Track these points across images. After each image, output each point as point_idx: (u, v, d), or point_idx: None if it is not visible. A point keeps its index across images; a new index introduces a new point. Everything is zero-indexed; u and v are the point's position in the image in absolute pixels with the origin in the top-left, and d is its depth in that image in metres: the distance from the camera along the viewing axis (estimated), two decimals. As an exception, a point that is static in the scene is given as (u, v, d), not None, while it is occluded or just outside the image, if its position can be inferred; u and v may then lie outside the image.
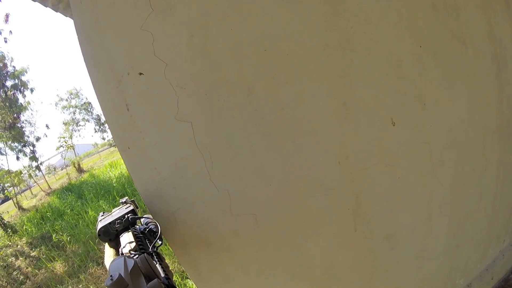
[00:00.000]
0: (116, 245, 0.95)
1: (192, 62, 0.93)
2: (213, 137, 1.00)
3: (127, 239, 0.89)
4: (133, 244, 0.86)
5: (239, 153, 1.03)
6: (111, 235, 0.96)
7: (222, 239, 1.15)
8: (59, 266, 6.71)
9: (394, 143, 1.41)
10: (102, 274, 5.62)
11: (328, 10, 1.10)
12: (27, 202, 18.08)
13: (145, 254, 0.70)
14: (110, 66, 0.91)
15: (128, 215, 0.99)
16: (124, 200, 1.11)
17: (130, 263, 0.62)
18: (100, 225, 0.97)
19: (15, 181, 17.33)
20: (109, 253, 0.93)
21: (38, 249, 8.23)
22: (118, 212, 1.02)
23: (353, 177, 1.28)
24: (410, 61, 1.40)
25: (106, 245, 0.98)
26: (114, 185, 10.81)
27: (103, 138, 24.50)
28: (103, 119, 22.24)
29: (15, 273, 7.36)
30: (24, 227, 10.94)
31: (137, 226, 1.01)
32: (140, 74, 0.91)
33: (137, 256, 0.76)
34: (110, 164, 15.48)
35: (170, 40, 0.92)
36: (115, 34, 0.90)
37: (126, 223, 0.97)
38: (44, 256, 7.37)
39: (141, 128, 0.97)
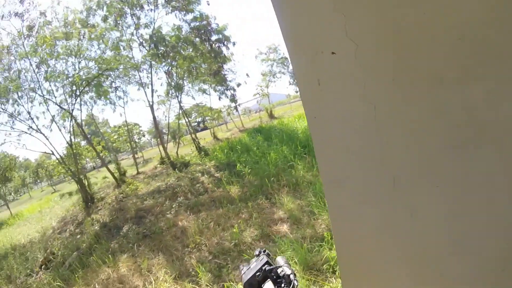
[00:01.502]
0: None
1: (382, 46, 0.93)
2: (392, 123, 1.00)
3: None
4: None
5: (412, 145, 1.00)
6: (254, 286, 1.16)
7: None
8: (234, 190, 8.02)
9: None
10: (266, 207, 6.37)
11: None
12: (222, 134, 21.83)
13: None
14: (307, 44, 1.00)
15: (264, 266, 1.18)
16: (257, 252, 1.31)
17: None
18: (244, 278, 1.17)
19: (215, 116, 21.21)
20: None
21: (222, 172, 9.99)
22: (255, 265, 1.22)
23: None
24: None
25: None
26: (299, 135, 11.54)
27: (296, 91, 26.38)
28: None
29: (198, 185, 9.22)
30: (215, 153, 13.36)
31: (273, 272, 1.18)
32: (333, 53, 0.97)
33: None
34: (298, 116, 16.51)
35: (361, 22, 0.93)
36: (310, 13, 0.97)
37: (264, 273, 1.16)
38: (225, 179, 8.92)
39: (328, 102, 1.05)
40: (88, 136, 17.52)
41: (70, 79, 12.11)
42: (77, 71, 12.23)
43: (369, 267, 1.26)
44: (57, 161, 13.69)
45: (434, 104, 0.96)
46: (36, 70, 11.76)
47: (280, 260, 1.26)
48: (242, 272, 1.23)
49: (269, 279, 1.15)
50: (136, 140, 28.09)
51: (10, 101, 11.62)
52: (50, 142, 15.63)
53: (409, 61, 0.94)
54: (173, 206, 8.15)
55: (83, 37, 12.27)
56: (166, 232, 6.60)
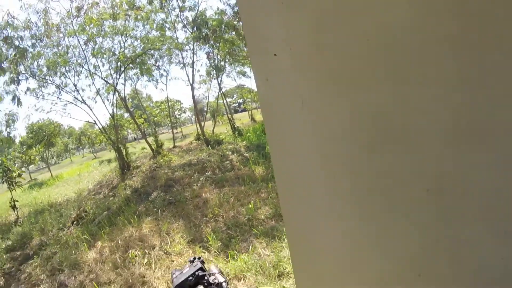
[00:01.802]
0: None
1: (310, 49, 1.15)
2: (316, 117, 1.22)
3: None
4: None
5: (331, 140, 1.20)
6: None
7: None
8: (259, 170, 8.35)
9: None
10: (287, 189, 6.61)
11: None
12: (259, 116, 22.17)
13: None
14: (258, 45, 1.24)
15: (198, 272, 1.18)
16: (192, 259, 1.30)
17: None
18: (175, 282, 1.16)
19: (254, 98, 21.64)
20: None
21: (251, 153, 10.36)
22: (188, 270, 1.20)
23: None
24: None
25: None
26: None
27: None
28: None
29: (226, 162, 9.67)
30: (248, 134, 13.66)
31: (206, 278, 1.19)
32: (275, 55, 1.20)
33: None
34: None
35: (295, 29, 1.15)
36: (260, 20, 1.21)
37: (196, 279, 1.16)
38: (252, 159, 9.26)
39: (273, 96, 1.29)
40: (132, 109, 18.39)
41: (115, 56, 12.93)
42: (122, 49, 13.06)
43: (308, 242, 1.51)
44: (99, 130, 14.66)
45: (351, 105, 1.17)
46: (84, 47, 12.67)
47: (213, 268, 1.28)
48: (174, 276, 1.22)
49: (200, 285, 1.16)
50: (177, 116, 28.97)
51: (58, 74, 12.60)
52: (94, 113, 16.78)
53: (330, 63, 1.17)
54: (200, 179, 8.58)
55: (129, 18, 12.93)
56: (189, 201, 7.06)
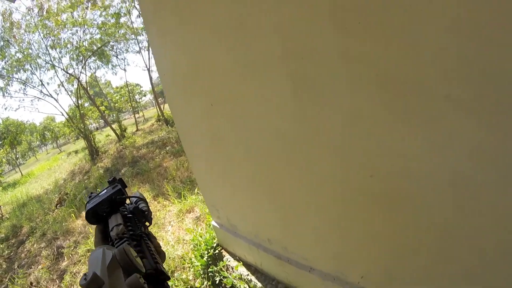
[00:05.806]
0: (104, 227, 0.88)
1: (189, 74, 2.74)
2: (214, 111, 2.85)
3: (114, 221, 0.85)
4: (121, 227, 0.82)
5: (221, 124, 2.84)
6: (99, 217, 0.90)
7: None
8: None
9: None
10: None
11: None
12: None
13: (124, 244, 0.64)
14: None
15: (115, 195, 0.92)
16: (111, 179, 1.00)
17: (109, 256, 0.59)
18: (88, 207, 0.89)
19: None
20: (98, 237, 0.86)
21: None
22: (105, 192, 0.94)
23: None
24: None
25: (96, 228, 0.89)
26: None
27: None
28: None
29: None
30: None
31: (126, 205, 0.96)
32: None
33: (118, 244, 0.74)
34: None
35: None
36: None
37: (114, 204, 0.92)
38: None
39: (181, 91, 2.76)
40: (92, 97, 19.11)
41: (75, 46, 13.74)
42: (81, 40, 13.91)
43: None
44: (62, 122, 15.42)
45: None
46: (45, 41, 13.37)
47: (137, 194, 1.02)
48: (88, 198, 0.94)
49: (118, 212, 0.90)
50: (138, 100, 29.39)
51: (23, 70, 13.28)
52: (60, 105, 17.60)
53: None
54: (162, 153, 10.19)
55: (87, 9, 13.63)
56: (153, 170, 8.65)
